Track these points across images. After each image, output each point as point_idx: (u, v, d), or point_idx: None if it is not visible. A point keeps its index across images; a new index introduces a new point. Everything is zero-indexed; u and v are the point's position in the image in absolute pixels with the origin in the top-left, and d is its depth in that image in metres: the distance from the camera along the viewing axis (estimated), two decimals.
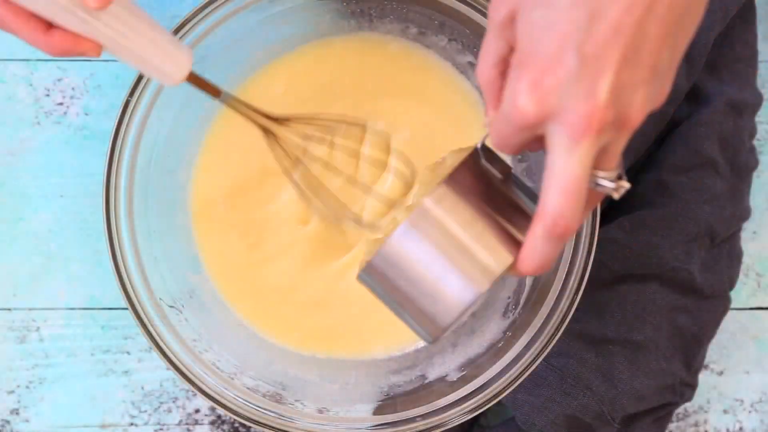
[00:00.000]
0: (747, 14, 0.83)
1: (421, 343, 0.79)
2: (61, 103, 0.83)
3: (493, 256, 0.55)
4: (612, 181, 0.52)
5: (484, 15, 0.71)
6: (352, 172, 0.77)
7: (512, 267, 0.55)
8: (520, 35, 0.49)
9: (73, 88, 0.83)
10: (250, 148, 0.77)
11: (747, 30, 0.83)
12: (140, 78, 0.71)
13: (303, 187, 0.73)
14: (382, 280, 0.57)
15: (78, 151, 0.83)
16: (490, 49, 0.53)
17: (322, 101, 0.77)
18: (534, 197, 0.57)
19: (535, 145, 0.52)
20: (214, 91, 0.65)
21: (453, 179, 0.56)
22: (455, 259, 0.55)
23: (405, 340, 0.79)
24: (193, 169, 0.78)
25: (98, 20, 0.57)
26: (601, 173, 0.51)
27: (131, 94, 0.71)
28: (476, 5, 0.71)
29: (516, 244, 0.55)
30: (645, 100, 0.48)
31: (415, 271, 0.55)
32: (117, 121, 0.71)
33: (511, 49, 0.52)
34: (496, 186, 0.57)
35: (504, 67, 0.53)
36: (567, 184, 0.49)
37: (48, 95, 0.83)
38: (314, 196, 0.74)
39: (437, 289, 0.55)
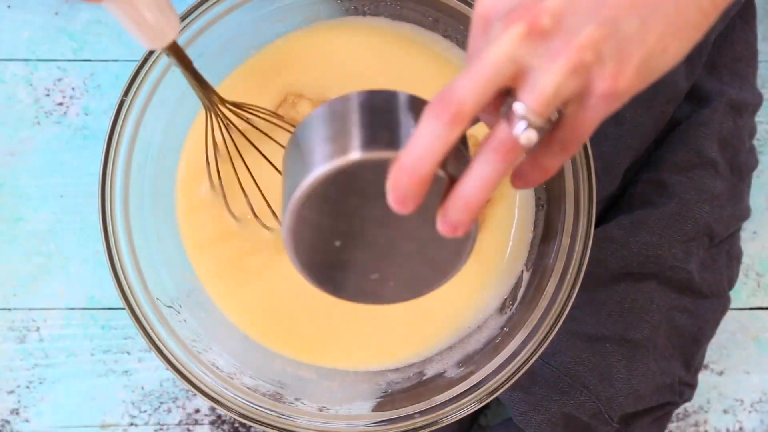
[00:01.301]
0: (747, 14, 0.83)
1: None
2: (61, 103, 0.83)
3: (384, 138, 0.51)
4: (524, 120, 0.47)
5: None
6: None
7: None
8: None
9: (73, 88, 0.83)
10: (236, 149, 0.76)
11: (747, 30, 0.83)
12: (135, 77, 0.71)
13: (221, 181, 0.72)
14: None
15: (78, 151, 0.83)
16: None
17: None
18: None
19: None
20: (187, 63, 0.64)
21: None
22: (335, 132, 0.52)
23: (400, 351, 0.78)
24: (177, 173, 0.77)
25: None
26: (517, 101, 0.47)
27: (126, 93, 0.71)
28: (470, 0, 0.71)
29: None
30: (588, 40, 0.46)
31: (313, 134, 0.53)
32: (112, 121, 0.71)
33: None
34: None
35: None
36: (471, 61, 0.47)
37: (48, 95, 0.83)
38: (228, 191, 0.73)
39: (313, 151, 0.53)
